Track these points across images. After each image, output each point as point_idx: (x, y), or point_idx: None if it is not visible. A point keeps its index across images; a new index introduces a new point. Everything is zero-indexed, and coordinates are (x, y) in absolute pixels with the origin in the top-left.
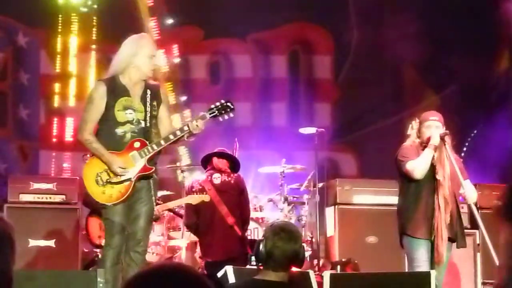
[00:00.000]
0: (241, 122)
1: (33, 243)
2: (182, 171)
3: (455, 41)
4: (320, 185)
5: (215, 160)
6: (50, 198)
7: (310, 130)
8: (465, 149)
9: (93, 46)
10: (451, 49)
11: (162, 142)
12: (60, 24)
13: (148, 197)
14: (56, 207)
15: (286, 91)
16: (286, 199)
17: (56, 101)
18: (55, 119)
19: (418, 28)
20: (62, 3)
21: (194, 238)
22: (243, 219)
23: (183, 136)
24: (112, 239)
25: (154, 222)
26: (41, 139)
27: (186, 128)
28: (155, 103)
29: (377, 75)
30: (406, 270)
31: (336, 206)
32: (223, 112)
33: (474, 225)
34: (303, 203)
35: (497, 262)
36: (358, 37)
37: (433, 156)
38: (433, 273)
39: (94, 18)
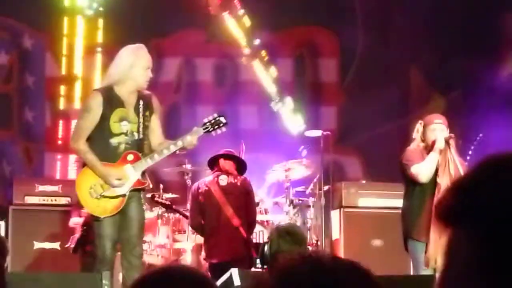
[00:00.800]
0: (247, 125)
1: (38, 245)
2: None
3: (461, 44)
4: (326, 188)
5: (221, 161)
6: (55, 200)
7: (316, 132)
8: (470, 152)
9: (99, 49)
10: (456, 52)
11: (156, 156)
12: (65, 26)
13: (138, 205)
14: (61, 209)
15: (292, 94)
16: (291, 202)
17: (62, 104)
18: (61, 122)
19: (424, 31)
20: (68, 5)
21: (199, 240)
22: (249, 222)
23: (176, 150)
24: (104, 255)
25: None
26: (47, 141)
27: (180, 143)
28: (147, 113)
29: (383, 78)
30: (412, 273)
31: (342, 209)
32: (216, 127)
33: None
34: (309, 206)
35: None
36: (364, 40)
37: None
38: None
39: (100, 20)
